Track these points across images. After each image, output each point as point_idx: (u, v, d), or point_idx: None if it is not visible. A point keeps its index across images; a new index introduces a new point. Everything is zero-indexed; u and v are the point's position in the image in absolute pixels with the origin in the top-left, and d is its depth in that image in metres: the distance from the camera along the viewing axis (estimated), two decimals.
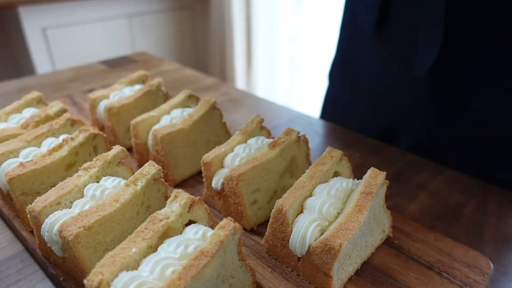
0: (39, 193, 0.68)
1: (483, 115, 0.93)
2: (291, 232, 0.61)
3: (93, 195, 0.63)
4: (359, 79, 1.18)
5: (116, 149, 0.71)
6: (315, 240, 0.58)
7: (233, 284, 0.56)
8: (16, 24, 2.59)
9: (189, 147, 0.88)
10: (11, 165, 0.71)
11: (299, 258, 0.62)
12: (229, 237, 0.52)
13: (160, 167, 0.67)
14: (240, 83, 3.48)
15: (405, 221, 0.74)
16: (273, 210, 0.63)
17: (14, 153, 0.75)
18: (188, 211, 0.59)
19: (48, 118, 0.87)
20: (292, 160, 0.79)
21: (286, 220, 0.61)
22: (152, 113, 0.91)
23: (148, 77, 1.12)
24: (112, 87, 1.06)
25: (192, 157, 0.89)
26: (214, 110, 0.92)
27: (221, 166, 0.76)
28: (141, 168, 0.67)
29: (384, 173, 0.67)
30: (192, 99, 0.98)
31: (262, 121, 0.85)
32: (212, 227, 0.59)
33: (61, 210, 0.61)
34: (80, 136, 0.76)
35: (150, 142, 0.86)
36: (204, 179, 0.79)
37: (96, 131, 0.78)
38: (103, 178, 0.67)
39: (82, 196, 0.64)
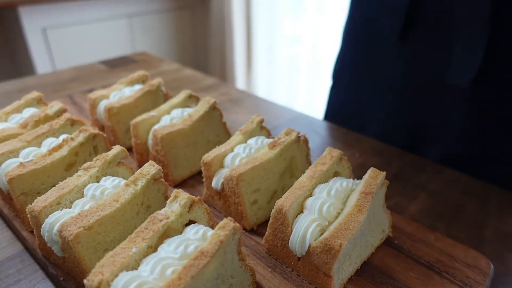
0: (39, 193, 0.68)
1: None
2: (291, 232, 0.61)
3: (93, 195, 0.63)
4: (377, 85, 1.11)
5: (116, 149, 0.71)
6: (315, 240, 0.58)
7: (233, 284, 0.56)
8: (16, 24, 2.59)
9: (189, 147, 0.88)
10: (11, 165, 0.71)
11: (299, 258, 0.62)
12: (229, 237, 0.52)
13: (160, 167, 0.67)
14: (240, 83, 3.48)
15: (405, 221, 0.74)
16: (273, 210, 0.63)
17: (14, 153, 0.75)
18: (188, 211, 0.59)
19: (47, 118, 0.87)
20: (292, 160, 0.79)
21: (286, 220, 0.61)
22: (152, 113, 0.91)
23: (148, 77, 1.12)
24: (112, 87, 1.06)
25: (192, 157, 0.89)
26: (214, 110, 0.92)
27: (221, 166, 0.76)
28: (141, 168, 0.67)
29: (384, 173, 0.67)
30: (192, 99, 0.98)
31: (262, 121, 0.85)
32: (212, 227, 0.59)
33: (61, 210, 0.61)
34: (80, 136, 0.76)
35: (150, 142, 0.86)
36: (204, 179, 0.79)
37: (96, 131, 0.78)
38: (103, 178, 0.67)
39: (82, 196, 0.64)
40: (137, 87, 1.05)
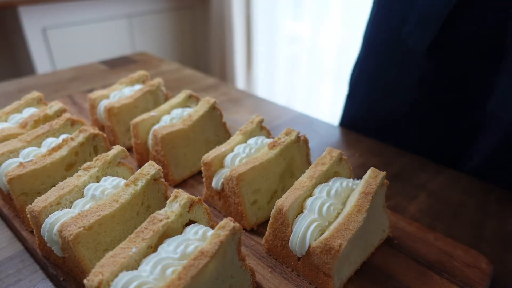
0: (39, 193, 0.68)
1: None
2: (291, 232, 0.61)
3: (93, 195, 0.63)
4: (399, 96, 1.04)
5: (116, 149, 0.71)
6: (315, 240, 0.58)
7: (233, 284, 0.56)
8: (16, 24, 2.59)
9: (189, 147, 0.88)
10: (11, 165, 0.71)
11: (299, 258, 0.62)
12: (229, 237, 0.52)
13: (160, 167, 0.67)
14: (240, 83, 3.48)
15: (405, 221, 0.74)
16: (273, 210, 0.63)
17: (14, 153, 0.75)
18: (188, 211, 0.59)
19: (47, 118, 0.87)
20: (292, 160, 0.79)
21: (286, 220, 0.61)
22: (152, 113, 0.91)
23: (148, 77, 1.13)
24: (112, 87, 1.06)
25: (192, 157, 0.89)
26: (214, 110, 0.92)
27: (221, 166, 0.76)
28: (141, 168, 0.67)
29: (384, 173, 0.67)
30: (192, 99, 0.98)
31: (262, 121, 0.85)
32: (212, 227, 0.59)
33: (61, 210, 0.61)
34: (80, 136, 0.76)
35: (150, 142, 0.86)
36: (204, 179, 0.79)
37: (96, 131, 0.78)
38: (103, 178, 0.67)
39: (82, 196, 0.64)
40: (137, 87, 1.05)
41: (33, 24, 2.60)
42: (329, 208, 0.61)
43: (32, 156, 0.73)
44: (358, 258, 0.64)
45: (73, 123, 0.84)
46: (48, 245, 0.60)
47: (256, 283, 0.61)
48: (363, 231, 0.61)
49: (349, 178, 0.72)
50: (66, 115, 0.84)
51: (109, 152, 0.71)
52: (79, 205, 0.61)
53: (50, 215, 0.59)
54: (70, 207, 0.62)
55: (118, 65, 1.65)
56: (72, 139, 0.76)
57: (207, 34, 3.62)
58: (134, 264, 0.50)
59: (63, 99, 1.27)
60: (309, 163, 0.83)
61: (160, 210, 0.58)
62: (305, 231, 0.59)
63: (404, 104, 1.04)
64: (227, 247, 0.52)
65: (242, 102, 1.32)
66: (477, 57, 0.87)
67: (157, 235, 0.53)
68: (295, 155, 0.80)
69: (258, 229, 0.74)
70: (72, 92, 1.37)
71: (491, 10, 0.81)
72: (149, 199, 0.66)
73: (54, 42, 2.74)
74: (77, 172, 0.68)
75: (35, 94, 0.95)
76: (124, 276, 0.46)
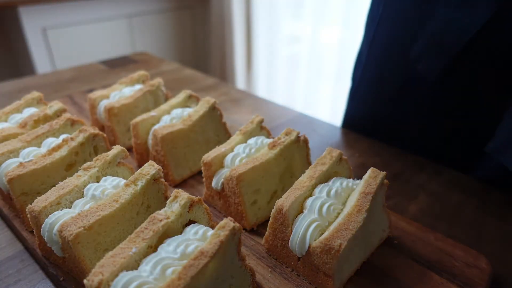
0: (39, 193, 0.68)
1: None
2: (291, 232, 0.61)
3: (93, 195, 0.63)
4: (404, 101, 0.99)
5: (116, 149, 0.71)
6: (315, 240, 0.58)
7: (233, 284, 0.56)
8: (16, 24, 2.59)
9: (189, 147, 0.88)
10: (11, 165, 0.71)
11: (299, 258, 0.62)
12: (229, 237, 0.52)
13: (160, 167, 0.67)
14: (240, 83, 3.48)
15: (405, 221, 0.74)
16: (273, 210, 0.63)
17: (14, 153, 0.75)
18: (188, 211, 0.59)
19: (46, 118, 0.87)
20: (292, 160, 0.79)
21: (286, 220, 0.61)
22: (152, 113, 0.91)
23: (148, 77, 1.12)
24: (112, 87, 1.06)
25: (192, 157, 0.89)
26: (214, 110, 0.92)
27: (221, 166, 0.76)
28: (141, 168, 0.67)
29: (384, 173, 0.67)
30: (192, 99, 0.98)
31: (262, 121, 0.85)
32: (212, 227, 0.59)
33: (61, 210, 0.61)
34: (80, 136, 0.76)
35: (150, 142, 0.86)
36: (204, 179, 0.79)
37: (96, 131, 0.78)
38: (103, 178, 0.67)
39: (82, 196, 0.64)
40: (137, 87, 1.05)
41: (33, 24, 2.60)
42: (329, 208, 0.61)
43: (32, 156, 0.73)
44: (358, 258, 0.64)
45: (73, 123, 0.84)
46: (48, 245, 0.60)
47: (256, 283, 0.61)
48: (363, 231, 0.61)
49: (349, 178, 0.72)
50: (66, 115, 0.84)
51: (109, 152, 0.71)
52: (79, 205, 0.61)
53: (50, 215, 0.59)
54: (70, 207, 0.62)
55: (118, 65, 1.65)
56: (72, 139, 0.76)
57: (207, 34, 3.62)
58: (134, 264, 0.50)
59: (63, 99, 1.27)
60: (309, 163, 0.83)
61: (160, 210, 0.58)
62: (305, 231, 0.59)
63: (412, 110, 1.00)
64: (227, 247, 0.52)
65: (242, 102, 1.32)
66: (491, 86, 0.84)
67: (157, 235, 0.53)
68: (295, 155, 0.79)
69: (258, 229, 0.74)
70: (72, 92, 1.36)
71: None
72: (149, 199, 0.66)
73: (54, 42, 2.73)
74: (77, 172, 0.68)
75: (35, 94, 0.95)
76: (124, 276, 0.46)
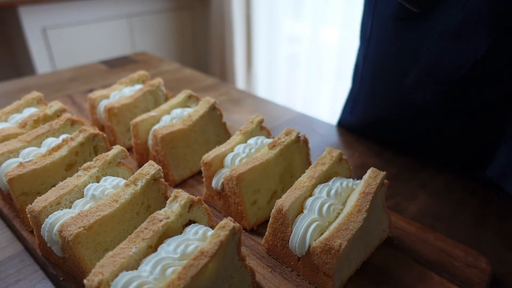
0: (39, 193, 0.68)
1: None
2: (291, 232, 0.61)
3: (93, 195, 0.63)
4: (405, 107, 0.95)
5: (116, 149, 0.71)
6: (315, 240, 0.58)
7: (233, 284, 0.56)
8: (16, 24, 2.59)
9: (189, 147, 0.88)
10: (11, 165, 0.71)
11: (299, 258, 0.62)
12: (229, 237, 0.52)
13: (160, 167, 0.67)
14: (240, 83, 3.48)
15: (405, 221, 0.74)
16: (273, 210, 0.63)
17: (14, 153, 0.75)
18: (188, 211, 0.59)
19: (46, 118, 0.87)
20: (292, 160, 0.79)
21: (286, 220, 0.61)
22: (152, 113, 0.91)
23: (148, 77, 1.13)
24: (112, 87, 1.06)
25: (192, 157, 0.89)
26: (214, 110, 0.92)
27: (221, 166, 0.76)
28: (141, 168, 0.67)
29: (384, 173, 0.67)
30: (192, 99, 0.98)
31: (262, 121, 0.85)
32: (212, 227, 0.59)
33: (61, 210, 0.61)
34: (80, 136, 0.76)
35: (150, 142, 0.86)
36: (204, 179, 0.79)
37: (96, 131, 0.78)
38: (103, 178, 0.67)
39: (82, 196, 0.64)
40: (137, 87, 1.05)
41: (33, 24, 2.60)
42: (329, 208, 0.61)
43: (32, 156, 0.73)
44: (358, 258, 0.64)
45: (73, 123, 0.84)
46: (48, 245, 0.60)
47: (256, 283, 0.61)
48: (363, 231, 0.61)
49: (349, 178, 0.72)
50: (66, 115, 0.84)
51: (109, 152, 0.71)
52: (79, 205, 0.61)
53: (50, 215, 0.59)
54: (70, 207, 0.62)
55: (118, 65, 1.65)
56: (72, 139, 0.76)
57: (207, 34, 3.62)
58: (134, 264, 0.50)
59: (63, 99, 1.27)
60: (309, 163, 0.83)
61: (160, 210, 0.58)
62: (305, 231, 0.59)
63: (414, 115, 0.95)
64: (227, 247, 0.52)
65: (242, 102, 1.32)
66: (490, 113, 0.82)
67: (157, 235, 0.53)
68: (295, 155, 0.79)
69: (258, 229, 0.74)
70: (72, 92, 1.37)
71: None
72: (149, 199, 0.66)
73: (54, 42, 2.73)
74: (77, 172, 0.68)
75: (35, 94, 0.95)
76: (124, 276, 0.46)
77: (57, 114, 0.89)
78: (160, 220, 0.55)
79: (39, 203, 0.61)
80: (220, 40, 3.43)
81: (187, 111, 0.91)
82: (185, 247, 0.51)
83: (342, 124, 1.19)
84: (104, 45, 3.00)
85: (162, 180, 0.68)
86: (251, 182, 0.71)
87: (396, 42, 0.88)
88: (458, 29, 0.75)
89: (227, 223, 0.53)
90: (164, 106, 0.93)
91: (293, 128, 0.81)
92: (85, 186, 0.65)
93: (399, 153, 1.03)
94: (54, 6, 2.64)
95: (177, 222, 0.57)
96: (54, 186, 0.65)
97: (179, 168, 0.87)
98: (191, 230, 0.55)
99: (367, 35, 0.97)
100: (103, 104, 0.98)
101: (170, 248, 0.51)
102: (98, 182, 0.67)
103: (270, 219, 0.64)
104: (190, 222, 0.59)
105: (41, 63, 2.72)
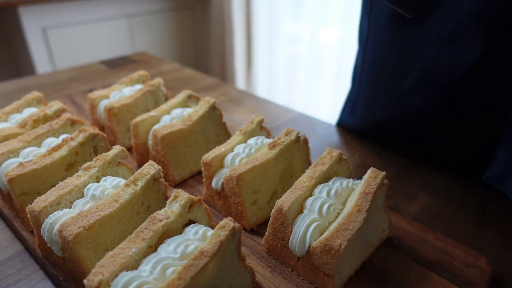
0: (39, 193, 0.68)
1: None
2: (291, 232, 0.61)
3: (93, 195, 0.63)
4: (404, 111, 0.94)
5: (116, 149, 0.71)
6: (315, 240, 0.58)
7: (233, 284, 0.56)
8: (16, 24, 2.59)
9: (189, 147, 0.88)
10: (11, 165, 0.71)
11: (299, 258, 0.62)
12: (229, 237, 0.52)
13: (160, 167, 0.67)
14: (240, 83, 3.48)
15: (405, 221, 0.74)
16: (273, 210, 0.63)
17: (14, 153, 0.75)
18: (188, 211, 0.59)
19: (46, 118, 0.87)
20: (292, 160, 0.79)
21: (286, 220, 0.61)
22: (152, 113, 0.91)
23: (148, 77, 1.13)
24: (112, 87, 1.06)
25: (192, 157, 0.89)
26: (214, 110, 0.92)
27: (221, 166, 0.76)
28: (141, 168, 0.67)
29: (384, 173, 0.67)
30: (192, 99, 0.98)
31: (262, 121, 0.85)
32: (212, 227, 0.59)
33: (61, 210, 0.61)
34: (80, 136, 0.76)
35: (150, 142, 0.86)
36: (204, 179, 0.79)
37: (96, 131, 0.78)
38: (103, 178, 0.67)
39: (82, 196, 0.64)
40: (137, 87, 1.05)
41: (33, 24, 2.60)
42: (329, 208, 0.61)
43: (32, 156, 0.73)
44: (358, 258, 0.64)
45: (73, 123, 0.84)
46: (48, 245, 0.60)
47: (256, 283, 0.61)
48: (363, 231, 0.61)
49: (349, 178, 0.72)
50: (66, 115, 0.84)
51: (109, 152, 0.71)
52: (79, 205, 0.61)
53: (50, 215, 0.59)
54: (70, 207, 0.62)
55: (118, 65, 1.65)
56: (72, 139, 0.76)
57: (207, 34, 3.62)
58: (134, 264, 0.50)
59: (63, 99, 1.27)
60: (309, 163, 0.83)
61: (160, 210, 0.58)
62: (305, 231, 0.59)
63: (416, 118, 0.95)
64: (227, 247, 0.52)
65: (242, 102, 1.32)
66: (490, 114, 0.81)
67: (157, 235, 0.53)
68: (295, 155, 0.79)
69: (258, 229, 0.74)
70: (72, 92, 1.37)
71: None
72: (149, 199, 0.66)
73: (54, 42, 2.73)
74: (77, 172, 0.68)
75: (35, 94, 0.95)
76: (124, 276, 0.46)
77: (57, 114, 0.89)
78: (160, 220, 0.55)
79: (39, 203, 0.61)
80: (220, 40, 3.43)
81: (187, 111, 0.91)
82: (185, 247, 0.51)
83: (341, 125, 1.19)
84: (104, 45, 3.00)
85: (162, 180, 0.68)
86: (251, 182, 0.71)
87: (392, 46, 0.88)
88: (452, 33, 0.76)
89: (227, 223, 0.53)
90: (164, 106, 0.93)
91: (293, 128, 0.81)
92: (85, 186, 0.65)
93: (399, 153, 1.03)
94: (54, 6, 2.64)
95: (177, 222, 0.57)
96: (54, 186, 0.65)
97: (179, 168, 0.87)
98: (191, 230, 0.55)
99: (364, 38, 0.97)
100: (103, 104, 0.98)
101: (170, 248, 0.51)
102: (98, 182, 0.67)
103: (270, 219, 0.64)
104: (190, 222, 0.59)
105: (41, 63, 2.72)
